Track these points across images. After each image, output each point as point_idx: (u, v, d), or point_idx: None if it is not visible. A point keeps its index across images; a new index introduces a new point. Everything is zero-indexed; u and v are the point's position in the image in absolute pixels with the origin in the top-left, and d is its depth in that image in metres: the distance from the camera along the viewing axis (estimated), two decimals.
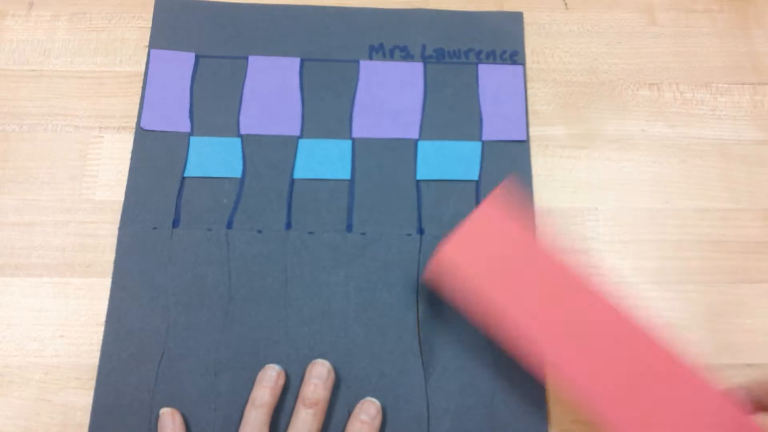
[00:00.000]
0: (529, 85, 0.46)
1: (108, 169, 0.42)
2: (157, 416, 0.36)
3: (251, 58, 0.45)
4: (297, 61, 0.45)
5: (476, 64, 0.46)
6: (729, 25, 0.48)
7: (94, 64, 0.45)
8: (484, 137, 0.43)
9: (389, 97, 0.44)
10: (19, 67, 0.45)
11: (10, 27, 0.46)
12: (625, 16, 0.48)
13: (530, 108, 0.45)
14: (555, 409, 0.37)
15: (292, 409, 0.36)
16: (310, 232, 0.40)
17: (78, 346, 0.38)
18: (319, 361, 0.37)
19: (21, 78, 0.44)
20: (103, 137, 0.43)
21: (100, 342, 0.38)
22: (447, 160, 0.43)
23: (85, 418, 0.36)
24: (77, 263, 0.40)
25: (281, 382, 0.36)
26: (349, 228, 0.41)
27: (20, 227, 0.40)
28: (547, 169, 0.43)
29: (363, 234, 0.41)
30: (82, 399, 0.37)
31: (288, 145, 0.43)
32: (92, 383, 0.37)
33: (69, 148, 0.43)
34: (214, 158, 0.42)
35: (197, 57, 0.45)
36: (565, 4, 0.48)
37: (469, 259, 0.36)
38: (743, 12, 0.49)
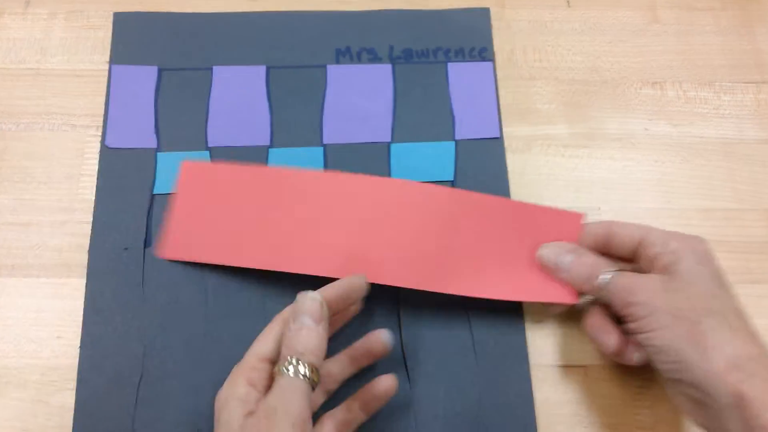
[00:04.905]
0: (530, 83, 0.45)
1: None
2: None
3: (216, 69, 0.44)
4: (263, 69, 0.44)
5: (445, 62, 0.45)
6: (732, 23, 0.48)
7: (91, 62, 0.45)
8: (457, 136, 0.43)
9: (359, 101, 0.44)
10: (16, 65, 0.44)
11: (6, 25, 0.45)
12: (628, 14, 0.48)
13: (532, 106, 0.45)
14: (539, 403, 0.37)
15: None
16: None
17: (75, 348, 0.37)
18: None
19: (17, 76, 0.44)
20: (100, 136, 0.42)
21: None
22: (421, 161, 0.42)
23: None
24: (74, 263, 0.39)
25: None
26: None
27: (17, 227, 0.40)
28: (549, 168, 0.43)
29: None
30: None
31: (258, 156, 0.42)
32: None
33: (66, 147, 0.42)
34: None
35: (160, 70, 0.44)
36: (568, 1, 0.48)
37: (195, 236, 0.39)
38: (746, 10, 0.48)
